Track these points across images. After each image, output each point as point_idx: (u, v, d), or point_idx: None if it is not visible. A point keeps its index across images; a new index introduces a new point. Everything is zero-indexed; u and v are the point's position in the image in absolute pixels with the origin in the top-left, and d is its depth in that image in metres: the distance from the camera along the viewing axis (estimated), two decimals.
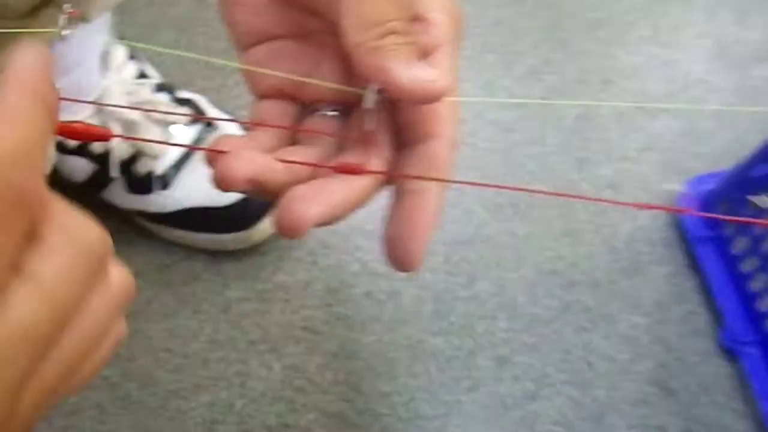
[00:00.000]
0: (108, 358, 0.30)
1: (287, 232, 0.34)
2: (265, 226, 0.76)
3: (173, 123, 0.74)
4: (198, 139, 0.75)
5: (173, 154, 0.74)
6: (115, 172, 0.73)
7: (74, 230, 0.27)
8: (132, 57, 0.75)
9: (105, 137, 0.32)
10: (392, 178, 0.38)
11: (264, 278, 0.78)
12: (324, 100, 0.41)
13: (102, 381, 0.72)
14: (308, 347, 0.75)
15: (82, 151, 0.74)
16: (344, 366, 0.74)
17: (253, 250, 0.79)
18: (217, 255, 0.78)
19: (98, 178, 0.75)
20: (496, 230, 0.83)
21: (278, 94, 0.42)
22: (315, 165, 0.37)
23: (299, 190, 0.35)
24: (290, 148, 0.40)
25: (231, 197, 0.73)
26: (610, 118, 0.91)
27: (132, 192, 0.74)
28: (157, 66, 0.81)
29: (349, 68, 0.39)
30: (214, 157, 0.36)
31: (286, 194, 0.35)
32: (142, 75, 0.75)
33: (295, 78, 0.40)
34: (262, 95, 0.42)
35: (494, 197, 0.84)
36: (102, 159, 0.74)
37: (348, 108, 0.41)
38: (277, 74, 0.40)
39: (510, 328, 0.77)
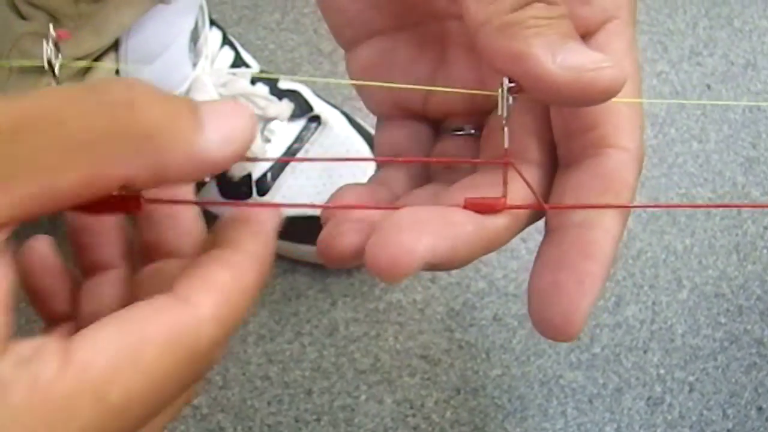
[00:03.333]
0: None
1: (381, 270, 0.26)
2: None
3: (273, 118, 0.67)
4: (301, 137, 0.68)
5: (273, 154, 0.67)
6: (206, 175, 0.66)
7: None
8: (227, 42, 0.67)
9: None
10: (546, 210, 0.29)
11: (375, 296, 0.72)
12: (456, 113, 0.32)
13: (191, 411, 0.68)
14: (425, 379, 0.70)
15: None
16: (467, 403, 0.69)
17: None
18: (322, 269, 0.73)
19: None
20: (649, 244, 0.76)
21: (403, 112, 0.33)
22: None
23: (405, 214, 0.26)
24: (422, 191, 0.31)
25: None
26: None
27: (226, 198, 0.67)
28: (259, 51, 0.77)
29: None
30: (329, 216, 0.29)
31: (386, 219, 0.27)
32: (239, 63, 0.67)
33: (398, 87, 0.30)
34: (386, 115, 0.34)
35: None
36: None
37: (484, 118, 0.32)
38: (382, 84, 0.31)
39: (664, 363, 0.72)
